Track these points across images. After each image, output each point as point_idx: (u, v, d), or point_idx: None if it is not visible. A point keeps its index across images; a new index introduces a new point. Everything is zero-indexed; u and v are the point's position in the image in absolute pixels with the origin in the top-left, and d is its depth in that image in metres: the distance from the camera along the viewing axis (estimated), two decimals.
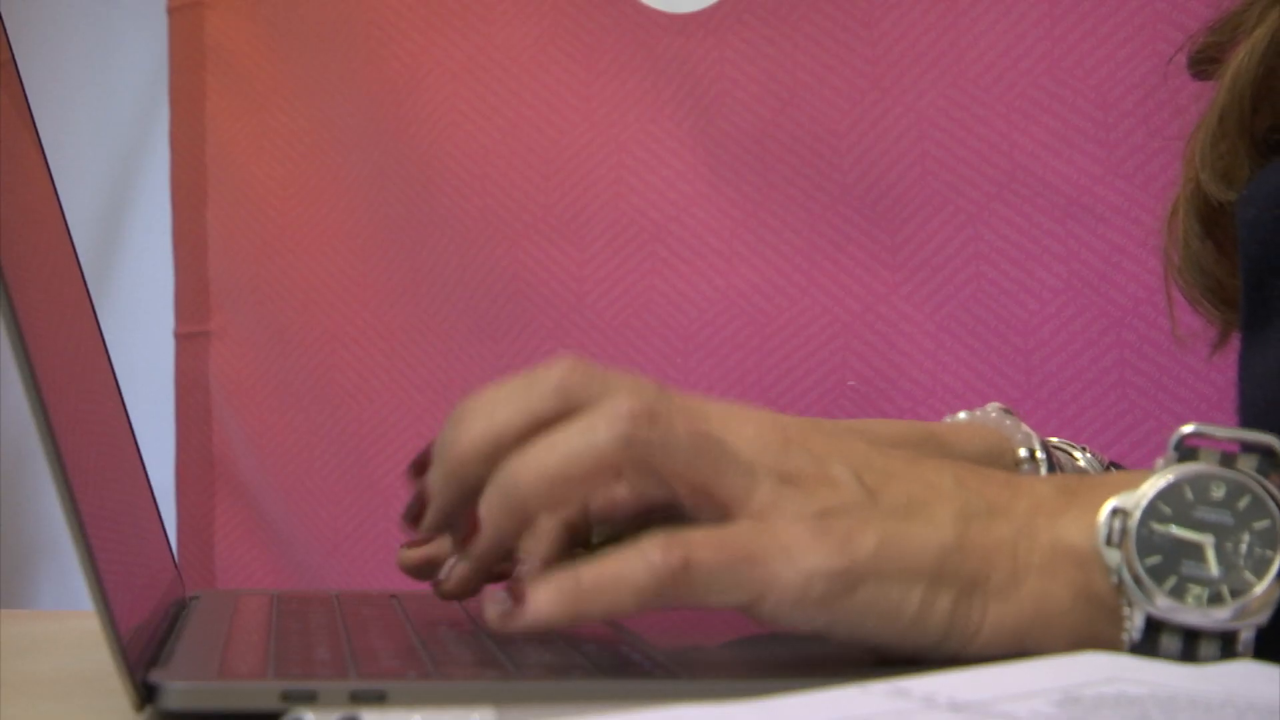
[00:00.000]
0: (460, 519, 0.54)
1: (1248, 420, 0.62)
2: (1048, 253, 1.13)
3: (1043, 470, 0.70)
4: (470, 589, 0.61)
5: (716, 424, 0.51)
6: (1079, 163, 1.11)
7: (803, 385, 1.23)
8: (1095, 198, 1.10)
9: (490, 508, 0.51)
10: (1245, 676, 0.43)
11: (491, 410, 0.52)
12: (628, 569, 0.49)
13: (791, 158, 1.23)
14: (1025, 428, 0.71)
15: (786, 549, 0.49)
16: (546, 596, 0.49)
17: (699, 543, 0.49)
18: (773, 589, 0.49)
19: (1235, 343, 0.71)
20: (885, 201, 1.19)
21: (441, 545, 0.68)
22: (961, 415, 0.73)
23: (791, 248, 1.24)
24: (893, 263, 1.20)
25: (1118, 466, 0.75)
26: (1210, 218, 0.69)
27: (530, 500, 0.50)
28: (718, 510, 0.50)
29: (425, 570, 0.68)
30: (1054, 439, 0.74)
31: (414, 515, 0.56)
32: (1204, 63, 0.72)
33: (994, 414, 0.72)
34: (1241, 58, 0.65)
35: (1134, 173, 1.09)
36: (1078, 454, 0.73)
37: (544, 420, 0.51)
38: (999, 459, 0.69)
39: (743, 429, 0.51)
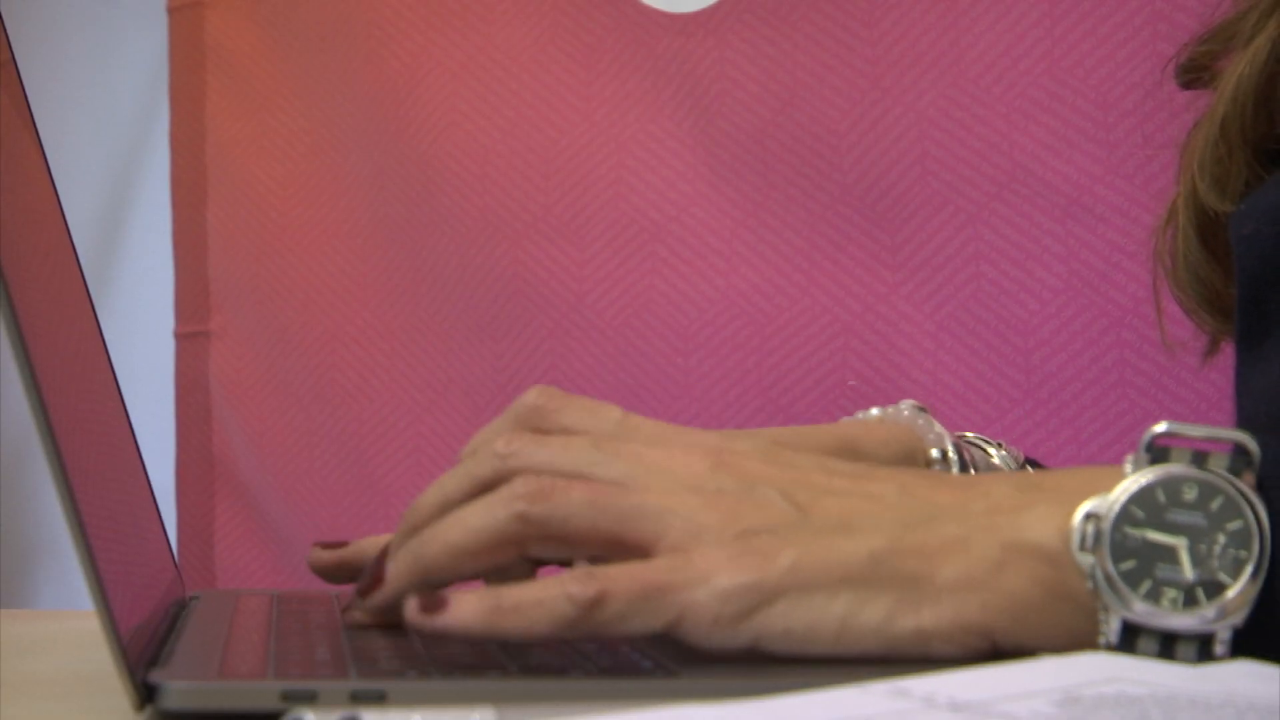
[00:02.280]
0: (368, 569, 0.58)
1: None
2: (1048, 253, 1.13)
3: (954, 470, 0.70)
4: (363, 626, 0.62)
5: (650, 462, 0.54)
6: (1079, 163, 1.11)
7: (803, 385, 1.23)
8: (1095, 198, 1.10)
9: (397, 568, 0.56)
10: (1245, 676, 0.43)
11: (444, 483, 0.57)
12: (547, 596, 0.51)
13: (791, 158, 1.23)
14: (938, 426, 0.71)
15: (702, 573, 0.51)
16: (469, 607, 0.51)
17: (614, 576, 0.51)
18: (688, 612, 0.50)
19: (1226, 350, 0.71)
20: (885, 201, 1.19)
21: (355, 550, 0.70)
22: (874, 411, 0.73)
23: (791, 248, 1.24)
24: (893, 263, 1.20)
25: (1033, 462, 0.75)
26: (1206, 226, 0.69)
27: (431, 568, 0.55)
28: (637, 555, 0.52)
29: (336, 574, 0.70)
30: (969, 434, 0.73)
31: (365, 589, 0.59)
32: (1193, 71, 0.72)
33: (906, 412, 0.72)
34: (1242, 66, 0.65)
35: (1134, 173, 1.09)
36: (992, 450, 0.73)
37: (485, 485, 0.56)
38: (911, 459, 0.69)
39: (674, 462, 0.54)
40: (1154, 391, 1.09)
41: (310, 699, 0.46)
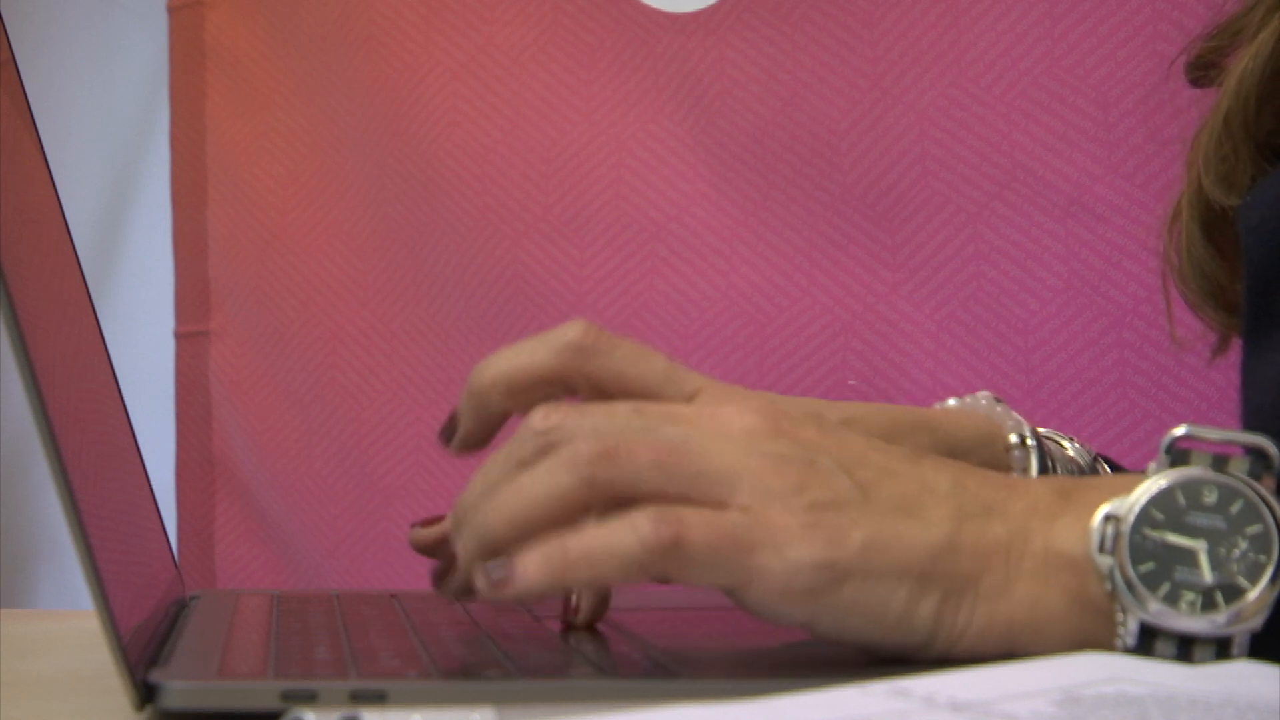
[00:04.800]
0: (441, 554, 0.56)
1: (1253, 427, 0.62)
2: (1048, 253, 1.13)
3: (1033, 457, 0.70)
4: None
5: (704, 425, 0.52)
6: (1079, 163, 1.11)
7: (803, 385, 1.23)
8: (1095, 198, 1.10)
9: (465, 549, 0.53)
10: (1245, 676, 0.43)
11: (508, 355, 0.59)
12: (616, 539, 0.49)
13: (791, 158, 1.23)
14: (1016, 415, 0.71)
15: (775, 539, 0.49)
16: (534, 564, 0.49)
17: (692, 521, 0.49)
18: (758, 577, 0.49)
19: (1236, 345, 0.71)
20: (885, 201, 1.19)
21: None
22: (951, 402, 0.73)
23: (791, 248, 1.24)
24: (893, 263, 1.20)
25: (1105, 458, 0.75)
26: (1212, 222, 0.69)
27: (500, 543, 0.51)
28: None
29: (436, 550, 0.69)
30: (1042, 429, 0.73)
31: (448, 433, 0.60)
32: (1202, 68, 0.72)
33: (984, 401, 0.72)
34: (1246, 61, 0.65)
35: (1134, 173, 1.09)
36: (1066, 443, 0.73)
37: (547, 373, 0.58)
38: (990, 445, 0.69)
39: (731, 424, 0.52)
40: (1154, 391, 1.08)
41: (310, 699, 0.46)
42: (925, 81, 1.17)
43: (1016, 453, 0.70)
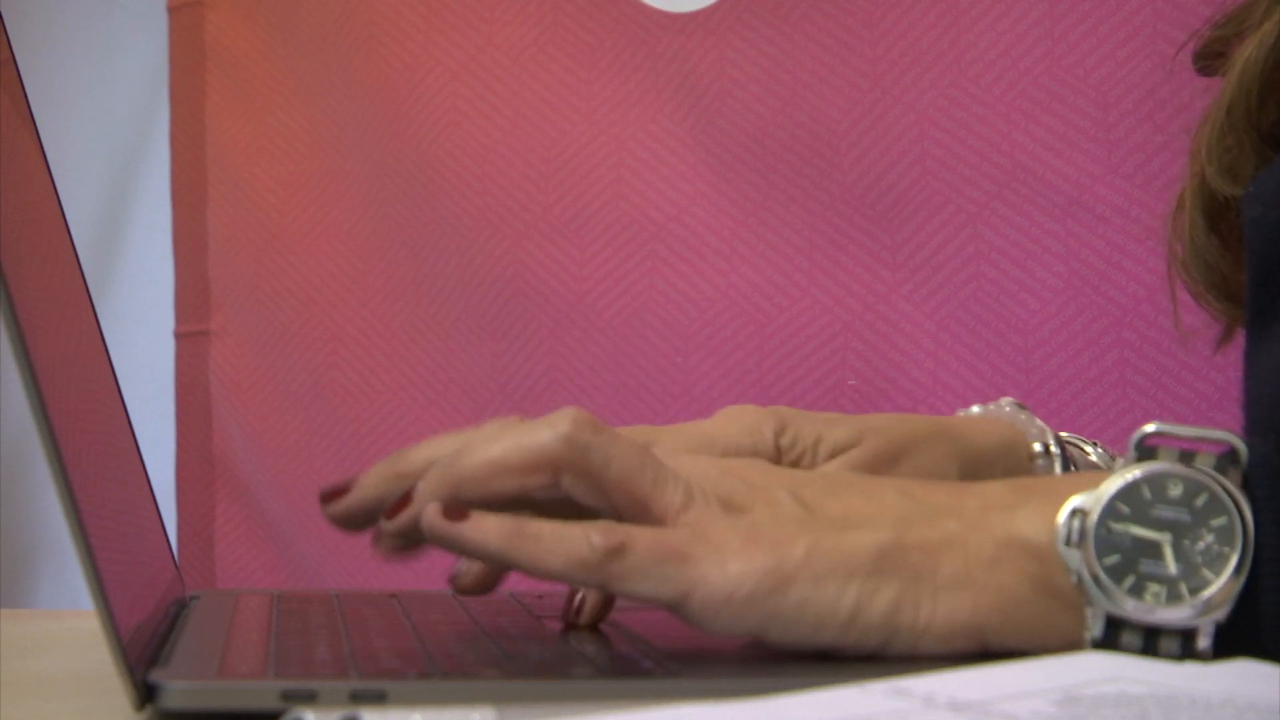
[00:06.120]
0: (362, 523, 0.56)
1: (1254, 418, 0.62)
2: (1048, 253, 1.13)
3: (1056, 465, 0.70)
4: (390, 556, 0.60)
5: (659, 450, 0.54)
6: (1079, 162, 1.11)
7: (803, 385, 1.23)
8: (1095, 197, 1.10)
9: (427, 483, 0.53)
10: (1245, 676, 0.43)
11: (494, 439, 0.55)
12: (569, 534, 0.51)
13: (791, 158, 1.23)
14: (1039, 422, 0.72)
15: (718, 552, 0.51)
16: (491, 524, 0.51)
17: (637, 535, 0.51)
18: (700, 586, 0.50)
19: (1236, 342, 0.71)
20: (885, 201, 1.19)
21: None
22: (975, 409, 0.73)
23: (791, 248, 1.24)
24: (893, 263, 1.20)
25: None
26: (1215, 212, 0.69)
27: (465, 480, 0.52)
28: (654, 522, 0.52)
29: (356, 519, 0.67)
30: (1065, 434, 0.74)
31: (330, 495, 0.57)
32: (1209, 58, 0.72)
33: (1008, 408, 0.73)
34: (1250, 51, 0.65)
35: (1134, 172, 1.09)
36: (1089, 448, 0.73)
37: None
38: (1013, 452, 0.70)
39: (680, 465, 0.54)
40: (1154, 391, 1.08)
41: (310, 699, 0.46)
42: (925, 81, 1.17)
43: (1040, 460, 0.70)
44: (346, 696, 0.46)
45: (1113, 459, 0.73)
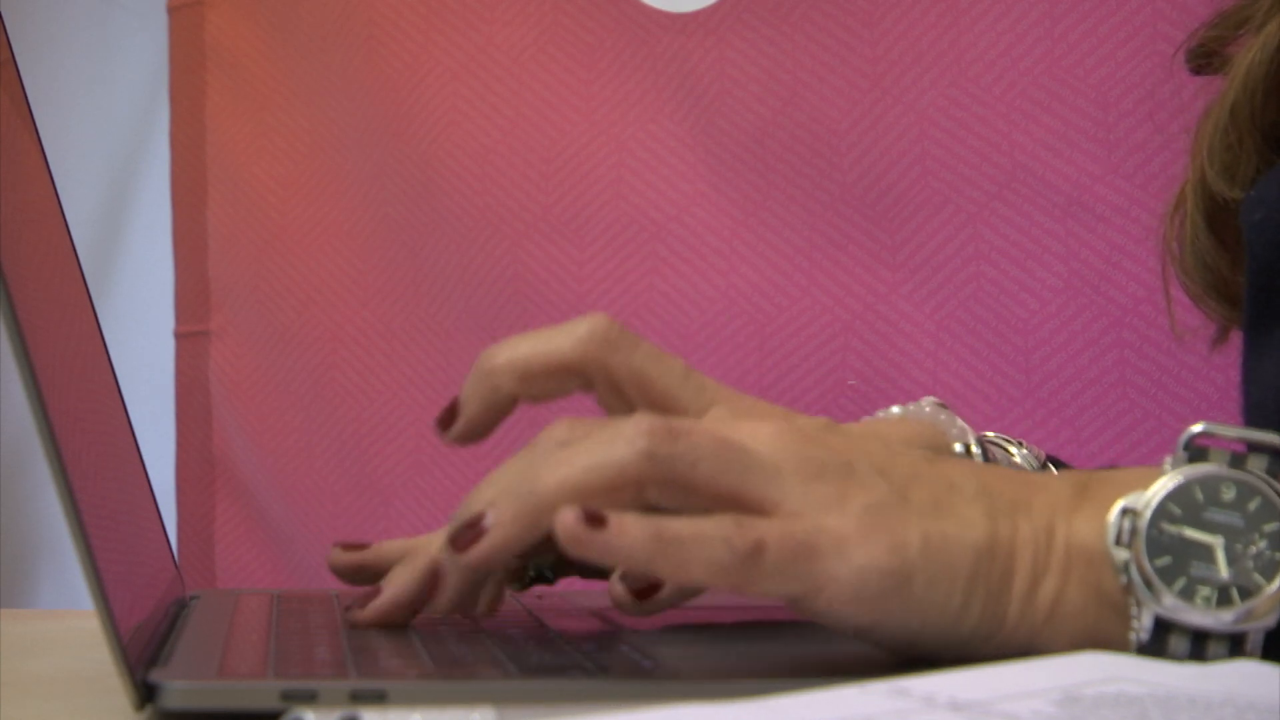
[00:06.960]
0: (360, 579, 0.55)
1: (1254, 423, 0.62)
2: (1048, 253, 1.13)
3: None
4: (455, 603, 0.59)
5: (735, 426, 0.51)
6: (1079, 162, 1.11)
7: (803, 385, 1.23)
8: (1095, 197, 1.10)
9: (505, 510, 0.50)
10: (1245, 676, 0.43)
11: (525, 340, 0.57)
12: (706, 536, 0.48)
13: (791, 158, 1.23)
14: (960, 422, 0.71)
15: (838, 544, 0.48)
16: (635, 529, 0.47)
17: (764, 530, 0.48)
18: (829, 584, 0.48)
19: (1236, 342, 0.71)
20: (885, 201, 1.19)
21: (376, 554, 0.68)
22: (895, 410, 0.72)
23: (791, 248, 1.24)
24: (893, 263, 1.20)
25: (1056, 462, 0.74)
26: (1215, 213, 0.69)
27: (547, 509, 0.49)
28: (752, 511, 0.49)
29: (355, 576, 0.68)
30: (990, 434, 0.73)
31: (447, 420, 0.58)
32: (1204, 56, 0.72)
33: (928, 408, 0.71)
34: (1254, 52, 0.65)
35: (1134, 172, 1.09)
36: (1014, 449, 0.72)
37: (567, 362, 0.56)
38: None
39: (758, 429, 0.51)
40: (1154, 391, 1.08)
41: (310, 699, 0.46)
42: (925, 81, 1.17)
43: None
44: (346, 696, 0.46)
45: (1040, 461, 0.73)
